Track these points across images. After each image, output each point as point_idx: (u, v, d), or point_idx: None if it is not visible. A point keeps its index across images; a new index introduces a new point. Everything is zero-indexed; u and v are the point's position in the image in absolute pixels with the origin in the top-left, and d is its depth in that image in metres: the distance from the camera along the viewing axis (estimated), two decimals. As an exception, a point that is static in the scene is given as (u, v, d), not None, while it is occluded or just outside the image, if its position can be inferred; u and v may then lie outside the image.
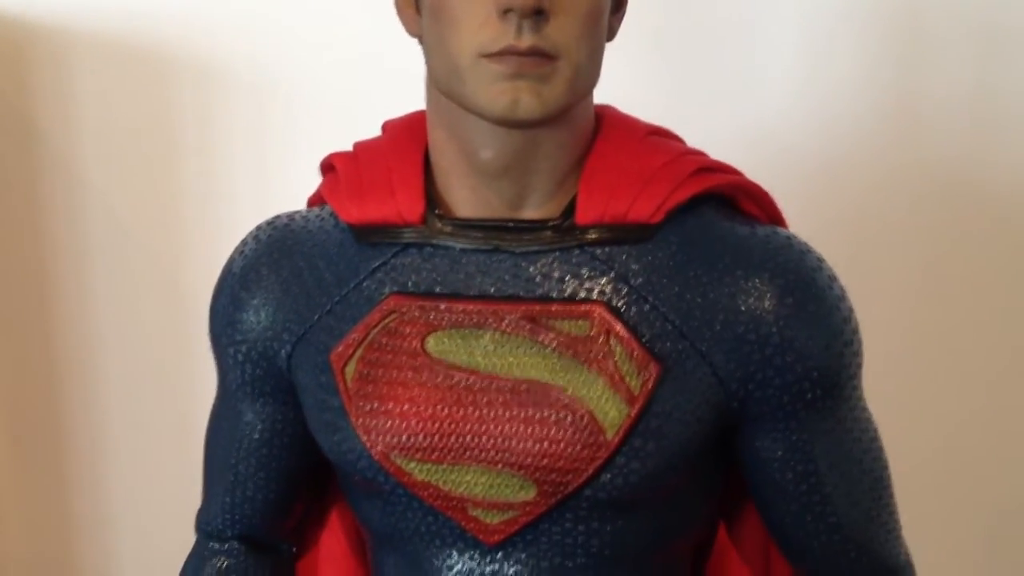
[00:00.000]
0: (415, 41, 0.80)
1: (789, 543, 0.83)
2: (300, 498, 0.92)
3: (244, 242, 0.87)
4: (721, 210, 0.81)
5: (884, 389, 1.37)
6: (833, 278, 0.79)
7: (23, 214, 1.62)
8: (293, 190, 1.02)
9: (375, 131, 0.90)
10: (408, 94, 0.97)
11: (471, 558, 0.80)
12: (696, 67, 1.41)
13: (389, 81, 1.37)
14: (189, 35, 1.53)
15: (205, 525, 0.93)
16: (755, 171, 0.95)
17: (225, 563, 0.92)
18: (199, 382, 1.59)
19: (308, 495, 0.93)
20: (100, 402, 1.65)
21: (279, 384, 0.85)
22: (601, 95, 0.83)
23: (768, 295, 0.76)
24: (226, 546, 0.92)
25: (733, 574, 0.90)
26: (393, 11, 0.82)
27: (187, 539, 1.04)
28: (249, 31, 1.52)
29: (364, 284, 0.80)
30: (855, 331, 0.80)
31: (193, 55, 1.54)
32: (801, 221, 1.01)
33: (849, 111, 1.43)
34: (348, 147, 0.89)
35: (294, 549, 0.95)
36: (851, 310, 0.80)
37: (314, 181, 0.96)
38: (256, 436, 0.87)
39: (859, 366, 0.81)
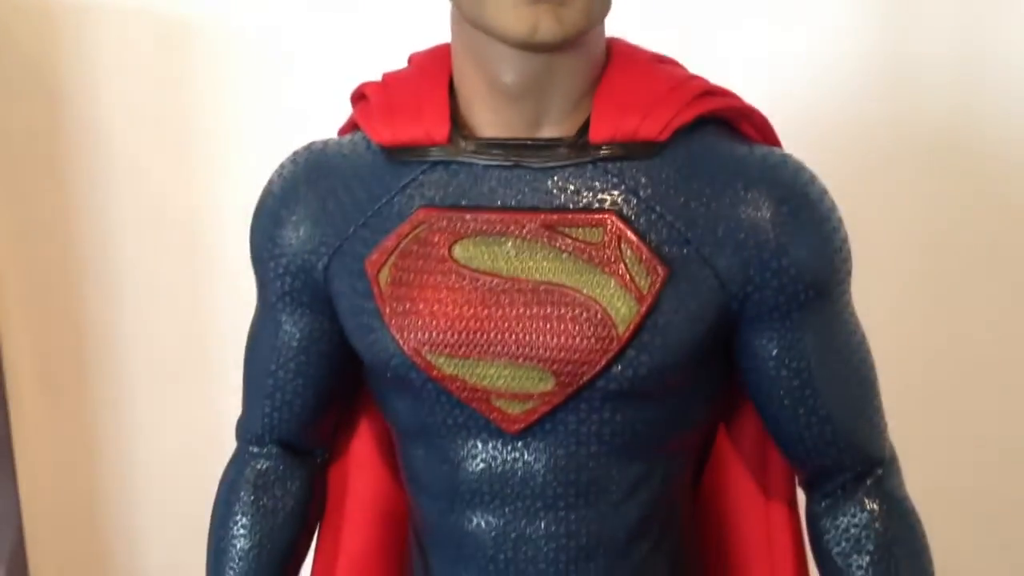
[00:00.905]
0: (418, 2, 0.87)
1: (784, 437, 0.91)
2: (333, 406, 0.99)
3: (282, 166, 0.94)
4: (722, 131, 0.88)
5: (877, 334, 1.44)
6: (824, 192, 0.87)
7: (50, 177, 1.69)
8: (304, 139, 1.10)
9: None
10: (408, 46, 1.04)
11: (494, 447, 0.87)
12: (683, 31, 1.47)
13: (401, 42, 1.44)
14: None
15: (245, 432, 1.01)
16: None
17: (264, 465, 1.00)
18: (219, 321, 1.68)
19: (340, 404, 1.00)
20: (124, 346, 1.73)
21: (316, 295, 0.92)
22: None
23: (765, 205, 0.84)
24: (265, 450, 1.00)
25: (732, 471, 0.98)
26: None
27: (208, 475, 1.12)
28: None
29: (395, 199, 0.88)
30: (844, 240, 0.87)
31: (210, 18, 1.61)
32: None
33: (836, 69, 1.50)
34: (353, 99, 0.96)
35: (327, 455, 1.03)
36: (841, 221, 0.87)
37: (322, 130, 1.03)
38: (294, 344, 0.95)
39: (848, 273, 0.88)
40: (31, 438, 1.76)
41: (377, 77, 0.95)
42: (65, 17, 1.63)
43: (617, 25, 0.92)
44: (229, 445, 1.05)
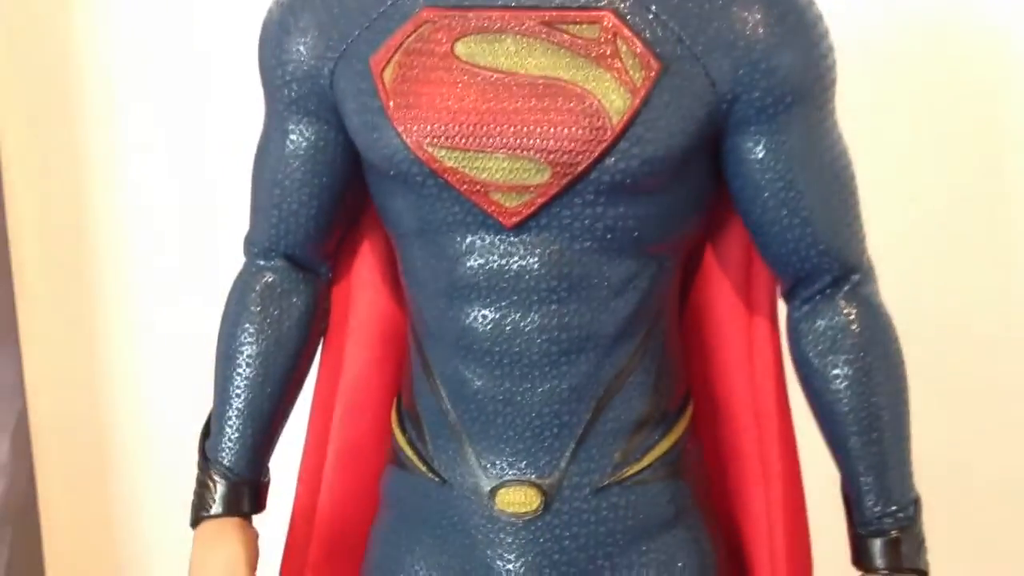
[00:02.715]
0: None
1: (767, 241, 0.95)
2: (338, 220, 1.03)
3: None
4: None
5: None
6: (812, 2, 0.90)
7: (64, 123, 1.72)
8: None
9: None
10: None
11: (491, 242, 0.91)
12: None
13: None
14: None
15: (252, 246, 1.05)
16: None
17: (271, 278, 1.04)
18: (222, 257, 1.72)
19: (344, 219, 1.04)
20: (132, 255, 1.77)
21: (322, 102, 0.96)
22: None
23: (756, 8, 0.88)
24: (271, 263, 1.04)
25: (717, 287, 1.03)
26: None
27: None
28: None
29: (399, 1, 0.91)
30: (830, 48, 0.91)
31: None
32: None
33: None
34: None
35: (330, 273, 1.07)
36: (827, 31, 0.91)
37: None
38: (301, 152, 0.98)
39: (833, 82, 0.92)
40: (35, 312, 1.81)
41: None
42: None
43: None
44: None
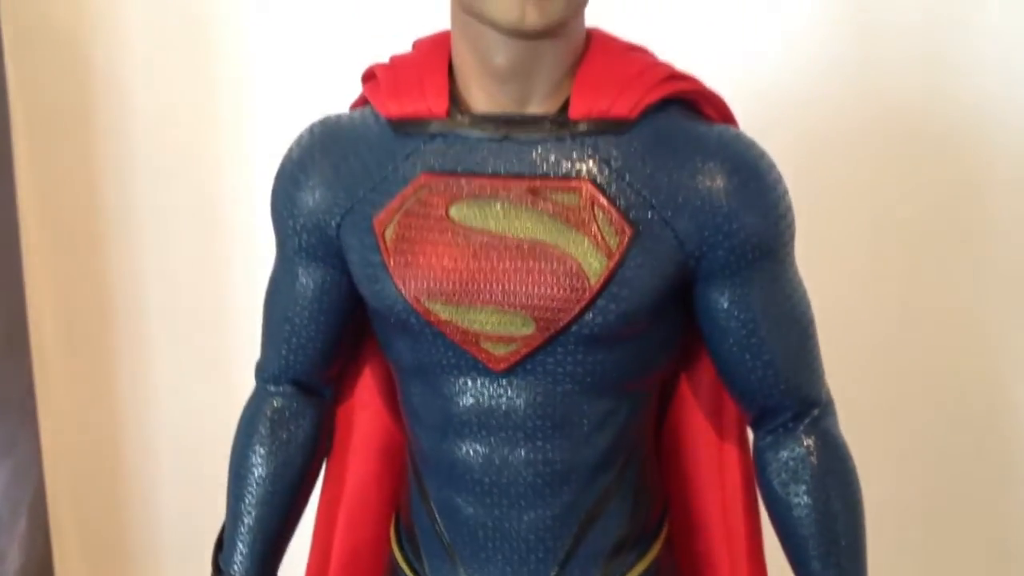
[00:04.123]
0: None
1: (733, 380, 1.04)
2: (342, 350, 1.12)
3: (300, 136, 1.06)
4: (685, 111, 1.01)
5: (834, 295, 1.57)
6: (772, 165, 0.99)
7: (75, 135, 1.78)
8: (322, 107, 1.20)
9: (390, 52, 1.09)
10: (428, 23, 1.15)
11: (482, 384, 1.00)
12: (665, 6, 1.60)
13: (412, 9, 1.55)
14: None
15: (263, 372, 1.14)
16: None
17: (280, 402, 1.13)
18: (235, 287, 1.81)
19: (348, 348, 1.13)
20: (144, 301, 1.83)
21: (329, 250, 1.05)
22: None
23: (719, 175, 0.97)
24: (280, 389, 1.13)
25: (691, 413, 1.12)
26: None
27: (222, 422, 1.23)
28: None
29: (400, 166, 1.00)
30: (789, 208, 1.00)
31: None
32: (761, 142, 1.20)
33: (808, 42, 1.62)
34: (364, 78, 1.08)
35: (335, 395, 1.16)
36: (786, 191, 1.00)
37: (341, 100, 1.14)
38: (309, 293, 1.07)
39: (792, 236, 1.01)
40: (54, 391, 1.89)
41: (389, 47, 1.07)
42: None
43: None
44: (241, 402, 1.17)
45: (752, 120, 1.14)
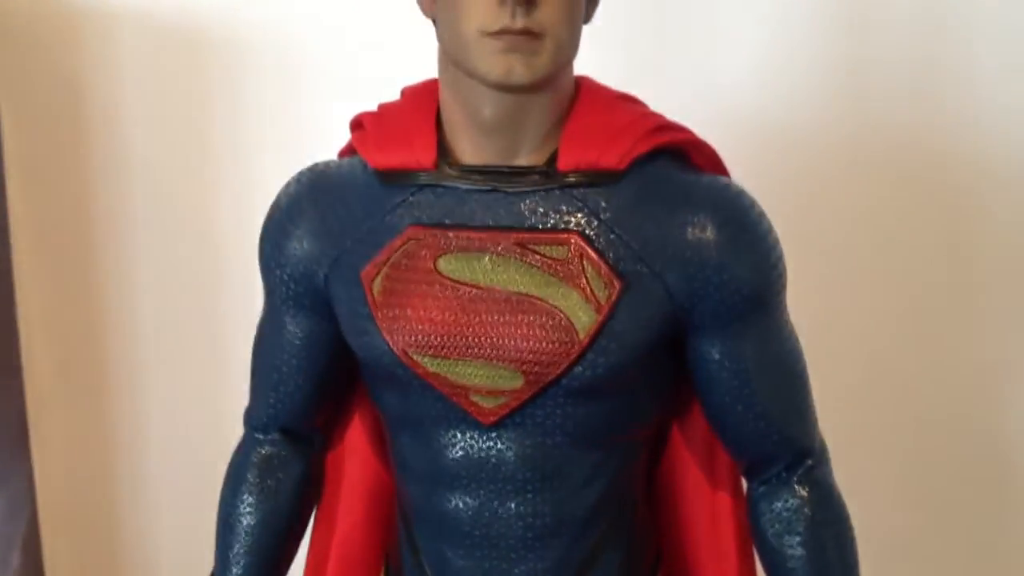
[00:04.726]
0: (420, 23, 0.99)
1: (725, 430, 1.03)
2: (330, 397, 1.12)
3: (288, 184, 1.06)
4: (674, 161, 1.00)
5: (829, 341, 1.57)
6: (762, 215, 0.99)
7: (70, 175, 1.80)
8: (312, 152, 1.20)
9: (379, 99, 1.08)
10: (414, 70, 1.15)
11: (471, 436, 1.00)
12: (663, 41, 1.60)
13: (397, 59, 1.56)
14: (222, 13, 1.70)
15: (252, 420, 1.13)
16: (715, 131, 1.12)
17: (269, 450, 1.12)
18: (227, 315, 1.80)
19: (336, 396, 1.13)
20: (139, 336, 1.83)
21: (317, 300, 1.04)
22: (578, 64, 1.02)
23: (709, 227, 0.96)
24: (269, 437, 1.12)
25: (683, 462, 1.11)
26: None
27: (214, 462, 1.22)
28: (276, 10, 1.70)
29: (387, 218, 1.00)
30: (779, 258, 0.99)
31: (226, 30, 1.72)
32: (754, 179, 1.19)
33: (803, 78, 1.62)
34: (355, 114, 1.07)
35: (324, 442, 1.15)
36: (777, 241, 0.99)
37: (330, 144, 1.14)
38: (297, 342, 1.07)
39: (783, 287, 1.00)
40: (47, 425, 1.88)
41: (381, 91, 1.06)
42: (89, 26, 1.73)
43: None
44: (234, 433, 1.17)
45: (746, 156, 1.14)
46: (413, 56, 1.25)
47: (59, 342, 1.86)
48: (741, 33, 1.63)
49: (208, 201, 1.78)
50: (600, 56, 1.10)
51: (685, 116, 1.06)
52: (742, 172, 1.09)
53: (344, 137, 1.09)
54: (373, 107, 1.07)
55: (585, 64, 1.03)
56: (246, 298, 1.45)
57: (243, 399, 1.15)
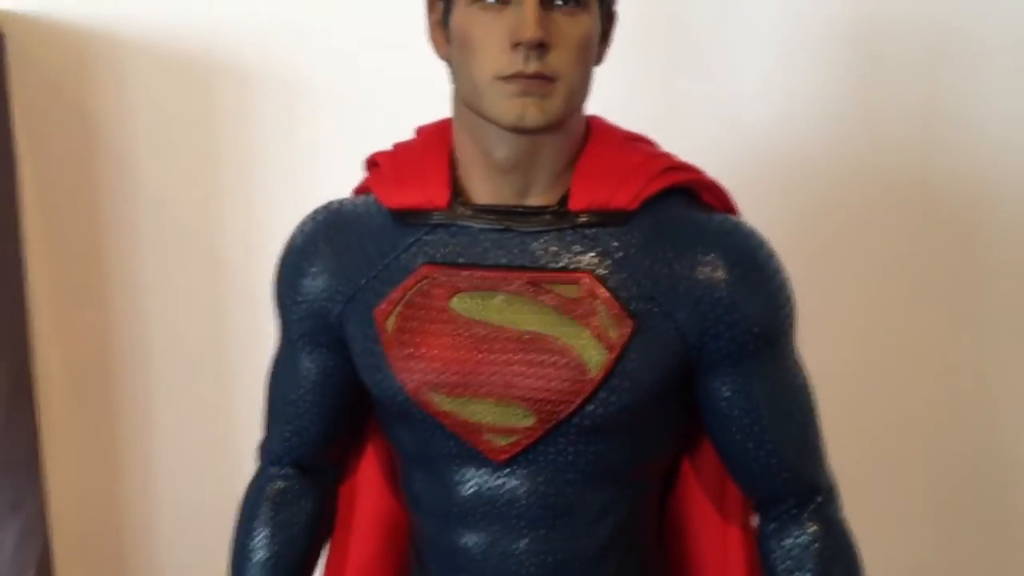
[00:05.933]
0: (430, 52, 1.01)
1: (736, 467, 1.03)
2: (344, 431, 1.13)
3: (304, 222, 1.07)
4: (685, 201, 1.01)
5: (840, 369, 1.57)
6: (772, 254, 1.00)
7: (81, 201, 1.81)
8: (318, 180, 1.21)
9: (391, 133, 1.10)
10: (422, 100, 1.15)
11: (484, 473, 1.01)
12: (678, 78, 1.61)
13: (403, 88, 1.57)
14: (229, 43, 1.72)
15: (266, 454, 1.14)
16: (729, 169, 1.13)
17: (282, 484, 1.13)
18: (235, 345, 1.81)
19: (350, 430, 1.14)
20: (150, 362, 1.85)
21: (331, 336, 1.05)
22: (602, 101, 1.02)
23: (720, 267, 0.97)
24: (283, 471, 1.13)
25: (694, 497, 1.11)
26: (413, 27, 1.02)
27: (225, 481, 1.23)
28: (283, 40, 1.72)
29: (401, 256, 1.01)
30: (789, 297, 1.00)
31: (233, 60, 1.73)
32: (767, 215, 1.20)
33: (816, 118, 1.63)
34: (367, 147, 1.09)
35: (337, 475, 1.16)
36: (787, 279, 1.00)
37: (336, 172, 1.15)
38: (311, 378, 1.08)
39: (792, 325, 1.01)
40: (59, 448, 1.89)
41: (389, 120, 1.08)
42: (97, 53, 1.76)
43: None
44: (243, 456, 1.17)
45: (761, 193, 1.15)
46: (422, 85, 1.26)
47: (71, 369, 1.88)
48: (758, 74, 1.65)
49: (216, 228, 1.80)
50: (623, 93, 1.11)
51: (706, 151, 1.07)
52: (762, 203, 1.09)
53: (351, 166, 1.11)
54: (381, 136, 1.09)
55: (608, 102, 1.04)
56: (254, 324, 1.47)
57: (251, 422, 1.16)
